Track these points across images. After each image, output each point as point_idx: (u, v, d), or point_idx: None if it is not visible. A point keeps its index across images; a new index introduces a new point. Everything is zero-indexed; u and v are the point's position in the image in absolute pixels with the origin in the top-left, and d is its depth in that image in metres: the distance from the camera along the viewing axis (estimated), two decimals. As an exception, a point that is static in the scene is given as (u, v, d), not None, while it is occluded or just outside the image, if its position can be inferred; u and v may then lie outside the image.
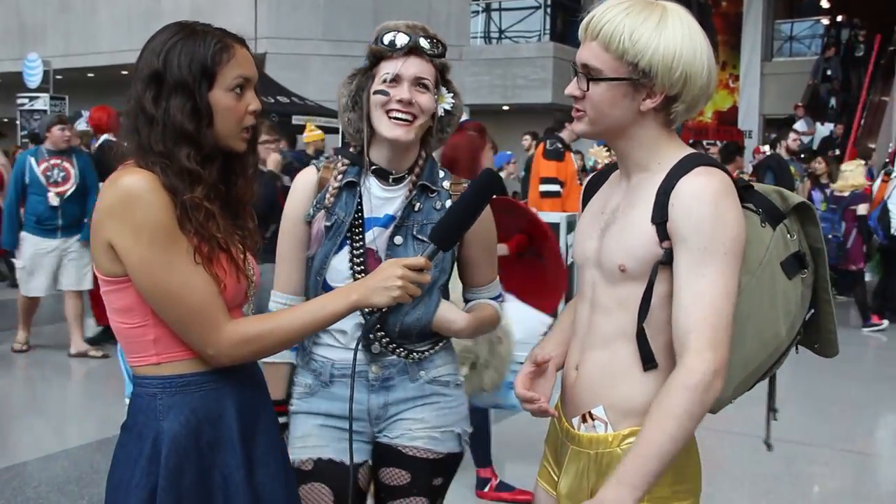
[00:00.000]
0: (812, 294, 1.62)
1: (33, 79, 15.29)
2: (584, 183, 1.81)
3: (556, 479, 1.70)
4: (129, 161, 1.53)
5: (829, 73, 15.87)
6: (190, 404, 1.55)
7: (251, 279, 1.65)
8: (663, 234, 1.48)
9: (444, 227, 1.62)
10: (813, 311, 1.64)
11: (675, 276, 1.48)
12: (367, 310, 1.77)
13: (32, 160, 6.14)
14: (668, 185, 1.49)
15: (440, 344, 1.96)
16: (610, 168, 1.74)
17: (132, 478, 1.51)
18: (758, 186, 1.63)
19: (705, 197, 1.45)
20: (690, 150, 1.56)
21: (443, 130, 1.91)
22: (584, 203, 1.76)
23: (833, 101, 15.62)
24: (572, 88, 1.56)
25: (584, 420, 1.61)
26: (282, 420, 1.95)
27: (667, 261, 1.48)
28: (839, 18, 16.73)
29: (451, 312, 1.92)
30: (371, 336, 1.85)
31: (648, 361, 1.53)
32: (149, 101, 1.50)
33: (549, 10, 18.20)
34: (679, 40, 1.47)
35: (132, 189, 1.46)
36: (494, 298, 2.03)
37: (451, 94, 1.89)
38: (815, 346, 1.71)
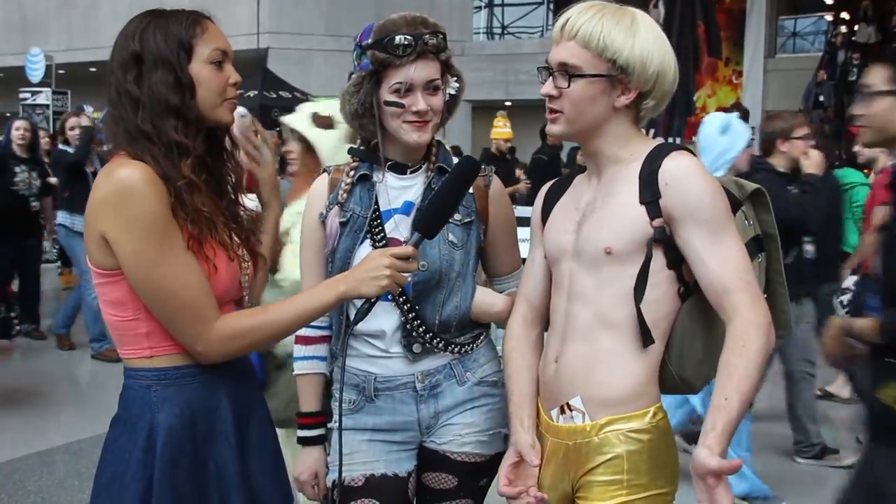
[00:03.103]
0: (766, 278, 1.70)
1: (35, 73, 15.29)
2: (545, 189, 1.82)
3: None
4: (121, 152, 1.53)
5: (821, 98, 14.42)
6: (185, 396, 1.55)
7: (245, 266, 1.64)
8: (654, 212, 1.55)
9: (428, 215, 1.62)
10: (766, 295, 1.68)
11: (688, 250, 1.54)
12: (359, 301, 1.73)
13: None
14: (651, 168, 1.57)
15: (481, 337, 1.94)
16: (568, 176, 1.79)
17: (127, 471, 1.51)
18: (717, 178, 1.68)
19: (697, 173, 1.55)
20: (655, 143, 1.65)
21: (448, 112, 1.90)
22: (546, 208, 1.77)
23: (826, 130, 14.79)
24: (549, 88, 1.61)
25: (562, 411, 1.64)
26: (314, 433, 1.93)
27: (660, 237, 1.55)
28: (841, 24, 16.37)
29: (489, 296, 1.91)
30: (412, 334, 1.83)
31: (647, 338, 1.57)
32: (131, 84, 1.51)
33: (551, 6, 18.13)
34: (651, 41, 1.58)
35: (127, 181, 1.46)
36: None
37: (455, 78, 1.88)
38: None
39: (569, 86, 1.58)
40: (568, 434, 1.63)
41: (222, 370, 1.58)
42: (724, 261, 1.51)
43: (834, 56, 15.48)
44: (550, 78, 1.61)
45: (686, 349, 1.60)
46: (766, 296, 1.69)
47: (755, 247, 1.66)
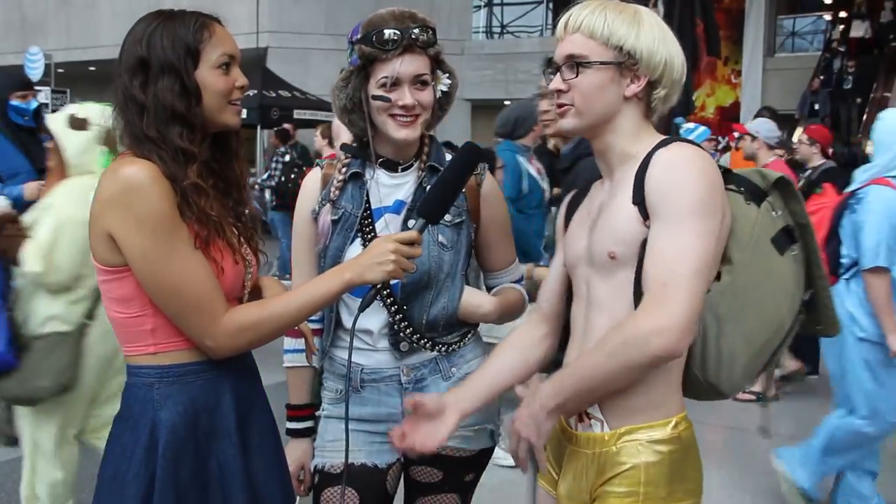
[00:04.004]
0: (807, 274, 1.63)
1: (35, 72, 15.28)
2: (569, 197, 1.79)
3: (556, 478, 1.69)
4: (126, 152, 1.53)
5: (816, 107, 14.30)
6: (188, 394, 1.55)
7: (249, 266, 1.65)
8: (645, 212, 1.49)
9: (431, 200, 1.62)
10: (812, 290, 1.64)
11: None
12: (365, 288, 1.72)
13: None
14: (644, 165, 1.52)
15: (469, 335, 1.95)
16: (590, 183, 1.75)
17: (129, 469, 1.51)
18: (737, 170, 1.64)
19: (672, 164, 1.48)
20: (664, 138, 1.59)
21: (441, 109, 1.89)
22: (568, 215, 1.74)
23: None
24: (557, 83, 1.57)
25: (580, 419, 1.60)
26: (304, 425, 1.96)
27: None
28: (840, 24, 16.31)
29: (476, 297, 1.91)
30: (399, 334, 1.84)
31: None
32: (137, 89, 1.51)
33: (550, 5, 18.17)
34: (656, 30, 1.56)
35: (133, 180, 1.46)
36: (517, 282, 2.01)
37: (447, 75, 1.87)
38: (817, 328, 1.70)
39: (577, 76, 1.54)
40: (587, 443, 1.59)
41: (225, 367, 1.59)
42: (654, 259, 1.44)
43: (830, 63, 15.47)
44: (557, 73, 1.58)
45: (708, 351, 1.52)
46: (811, 292, 1.62)
47: (787, 238, 1.58)
